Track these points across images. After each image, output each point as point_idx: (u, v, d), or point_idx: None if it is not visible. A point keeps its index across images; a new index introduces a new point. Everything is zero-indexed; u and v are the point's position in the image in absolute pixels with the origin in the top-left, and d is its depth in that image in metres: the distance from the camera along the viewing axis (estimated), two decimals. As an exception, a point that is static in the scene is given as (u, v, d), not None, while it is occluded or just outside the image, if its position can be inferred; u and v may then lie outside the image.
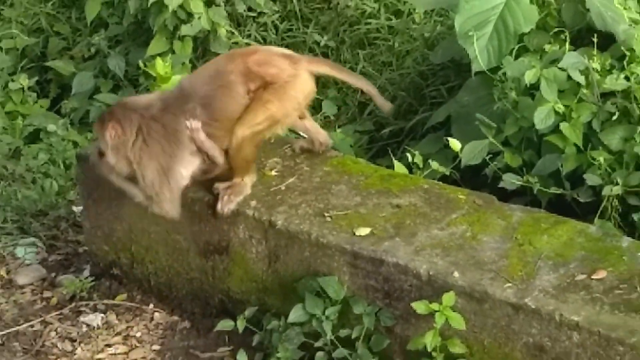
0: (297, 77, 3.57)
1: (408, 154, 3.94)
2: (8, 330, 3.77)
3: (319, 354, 3.32)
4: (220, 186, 3.59)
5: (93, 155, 3.66)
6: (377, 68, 5.01)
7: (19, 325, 3.80)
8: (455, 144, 3.86)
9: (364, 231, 3.38)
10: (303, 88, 3.60)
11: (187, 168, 3.60)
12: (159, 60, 4.21)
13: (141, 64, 4.52)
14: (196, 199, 3.65)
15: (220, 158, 3.59)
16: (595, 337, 2.92)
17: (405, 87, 4.52)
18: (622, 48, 3.90)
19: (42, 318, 3.83)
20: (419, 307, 3.12)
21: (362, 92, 3.96)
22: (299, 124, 3.77)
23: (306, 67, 3.62)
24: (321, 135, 3.79)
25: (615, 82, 3.79)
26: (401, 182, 3.64)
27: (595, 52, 3.87)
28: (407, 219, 3.44)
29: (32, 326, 3.80)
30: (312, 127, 3.80)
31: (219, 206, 3.57)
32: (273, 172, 3.74)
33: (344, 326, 3.32)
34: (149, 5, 4.73)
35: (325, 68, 3.77)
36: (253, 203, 3.56)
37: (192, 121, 3.51)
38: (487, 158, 3.91)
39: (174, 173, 3.55)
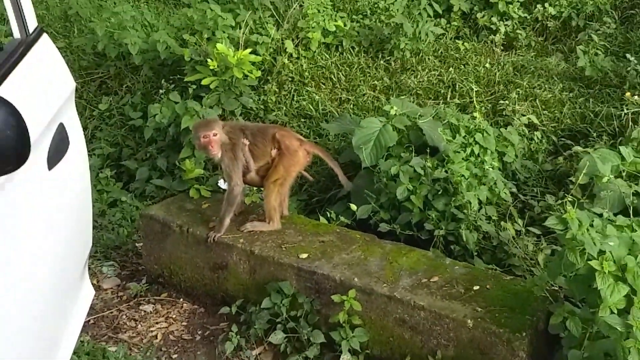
0: (297, 152, 3.54)
1: (327, 212, 3.95)
2: (97, 315, 3.66)
3: (279, 325, 3.29)
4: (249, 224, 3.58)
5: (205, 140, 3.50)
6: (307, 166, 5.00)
7: (104, 312, 3.69)
8: (353, 206, 3.88)
9: (304, 255, 3.38)
10: (299, 160, 3.56)
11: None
12: (187, 161, 4.20)
13: (177, 163, 4.50)
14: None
15: (251, 166, 3.54)
16: (433, 313, 2.96)
17: (324, 175, 4.54)
18: (443, 155, 3.99)
19: (118, 307, 3.73)
20: (335, 298, 3.13)
21: (301, 177, 3.88)
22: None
23: (307, 147, 3.59)
24: (285, 209, 3.72)
25: (439, 173, 3.86)
26: (324, 228, 3.66)
27: (428, 157, 3.95)
28: (328, 248, 3.45)
29: (111, 312, 3.69)
30: (285, 201, 3.69)
31: (248, 225, 3.56)
32: (252, 223, 3.71)
33: (293, 309, 3.30)
34: (180, 130, 4.72)
35: (317, 151, 3.67)
36: (241, 240, 3.53)
37: (244, 139, 3.51)
38: (371, 215, 3.94)
39: (237, 160, 3.49)
